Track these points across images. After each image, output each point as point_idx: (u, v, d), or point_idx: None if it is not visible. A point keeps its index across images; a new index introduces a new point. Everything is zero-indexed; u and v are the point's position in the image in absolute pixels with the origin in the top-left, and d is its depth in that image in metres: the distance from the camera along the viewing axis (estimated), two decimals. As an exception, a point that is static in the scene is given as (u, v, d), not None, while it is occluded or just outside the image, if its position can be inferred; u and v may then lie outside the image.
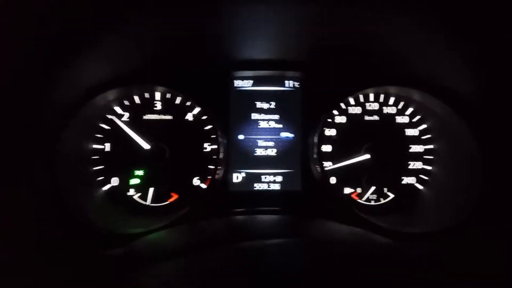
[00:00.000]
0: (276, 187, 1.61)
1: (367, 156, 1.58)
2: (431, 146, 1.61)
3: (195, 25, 1.21)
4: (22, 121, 1.19)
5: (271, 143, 1.63)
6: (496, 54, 1.14)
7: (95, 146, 1.56)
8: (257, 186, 1.61)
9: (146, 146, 1.55)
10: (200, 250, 0.93)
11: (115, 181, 1.58)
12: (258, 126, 1.63)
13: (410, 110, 1.62)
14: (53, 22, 0.98)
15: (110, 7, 1.02)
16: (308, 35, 1.34)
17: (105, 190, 1.56)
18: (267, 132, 1.63)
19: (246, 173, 1.61)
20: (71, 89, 1.35)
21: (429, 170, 1.61)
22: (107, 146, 1.58)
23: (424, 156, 1.62)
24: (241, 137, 1.62)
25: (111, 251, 1.17)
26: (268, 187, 1.61)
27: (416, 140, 1.62)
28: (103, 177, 1.56)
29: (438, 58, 1.33)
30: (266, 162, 1.62)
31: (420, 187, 1.62)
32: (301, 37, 1.36)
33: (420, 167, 1.62)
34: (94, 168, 1.55)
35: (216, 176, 1.51)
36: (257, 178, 1.61)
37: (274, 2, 1.08)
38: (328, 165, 1.60)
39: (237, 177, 1.61)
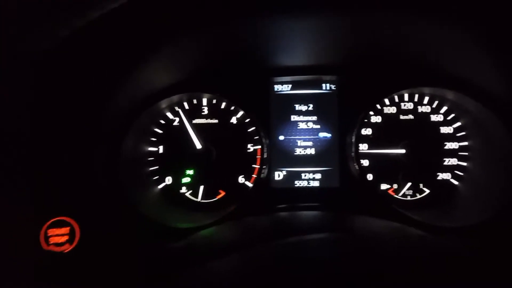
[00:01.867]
0: (316, 184, 1.72)
1: (403, 150, 1.65)
2: (466, 143, 1.67)
3: (238, 37, 1.34)
4: (85, 128, 1.37)
5: (310, 143, 1.74)
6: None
7: (150, 148, 1.73)
8: (298, 183, 1.72)
9: (198, 146, 1.70)
10: (249, 247, 0.99)
11: (168, 180, 1.74)
12: (298, 127, 1.74)
13: (444, 108, 1.68)
14: (118, 33, 1.07)
15: (171, 23, 1.14)
16: (342, 42, 1.44)
17: (160, 188, 1.73)
18: (306, 132, 1.74)
19: (287, 171, 1.73)
20: (130, 98, 1.52)
21: (464, 166, 1.66)
22: (161, 149, 1.74)
23: (459, 153, 1.68)
24: (281, 137, 1.74)
25: (171, 244, 1.25)
26: (308, 184, 1.72)
27: (451, 137, 1.68)
28: (158, 177, 1.73)
29: (469, 59, 1.39)
30: (305, 160, 1.73)
31: (455, 182, 1.68)
32: (336, 44, 1.46)
33: (455, 163, 1.68)
34: (150, 169, 1.72)
35: (261, 175, 1.64)
36: (298, 175, 1.73)
37: (308, 15, 1.18)
38: (365, 162, 1.70)
39: (279, 175, 1.73)
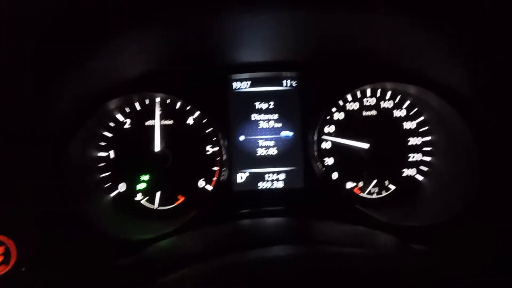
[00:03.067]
0: (280, 185, 1.64)
1: (367, 145, 1.61)
2: (429, 138, 1.64)
3: (193, 32, 1.24)
4: (26, 133, 1.23)
5: (272, 142, 1.66)
6: (488, 48, 1.16)
7: (100, 154, 1.60)
8: (261, 185, 1.64)
9: (157, 148, 1.59)
10: (208, 260, 0.94)
11: (122, 187, 1.61)
12: (258, 127, 1.66)
13: (407, 103, 1.65)
14: (58, 27, 0.99)
15: (117, 15, 1.04)
16: (302, 38, 1.37)
17: (113, 196, 1.60)
18: (267, 131, 1.66)
19: (250, 173, 1.65)
20: (74, 100, 1.38)
21: (429, 161, 1.64)
22: (112, 153, 1.61)
23: (423, 148, 1.65)
24: (242, 138, 1.65)
25: (122, 260, 1.17)
26: (272, 185, 1.64)
27: (414, 132, 1.65)
28: (110, 184, 1.60)
29: (430, 54, 1.35)
30: (268, 161, 1.65)
31: (420, 178, 1.65)
32: (295, 40, 1.39)
33: (419, 158, 1.65)
34: (101, 176, 1.59)
35: (221, 178, 1.55)
36: (261, 177, 1.65)
37: (265, 11, 1.11)
38: (329, 161, 1.64)
39: (241, 177, 1.65)
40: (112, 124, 1.61)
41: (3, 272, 1.18)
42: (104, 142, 1.60)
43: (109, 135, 1.61)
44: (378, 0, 1.04)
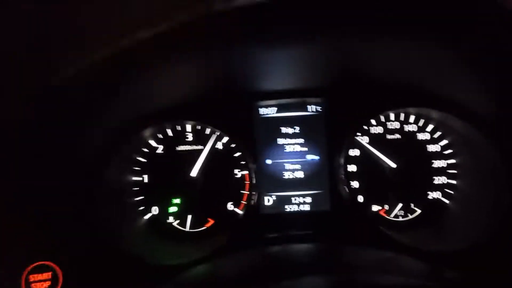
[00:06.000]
0: (306, 208, 1.68)
1: (394, 165, 1.63)
2: (453, 161, 1.66)
3: (221, 64, 1.31)
4: (63, 160, 1.31)
5: (298, 166, 1.71)
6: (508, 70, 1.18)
7: (134, 178, 1.68)
8: (288, 208, 1.69)
9: (194, 174, 1.66)
10: None
11: (155, 210, 1.69)
12: (284, 150, 1.71)
13: (430, 127, 1.68)
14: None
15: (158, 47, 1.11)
16: (327, 66, 1.42)
17: (147, 219, 1.68)
18: (293, 155, 1.71)
19: (277, 196, 1.70)
20: (112, 128, 1.47)
21: (454, 184, 1.65)
22: (146, 178, 1.69)
23: (448, 171, 1.67)
24: (269, 161, 1.71)
25: (157, 285, 1.21)
26: (298, 208, 1.68)
27: (438, 155, 1.67)
28: (143, 207, 1.68)
29: (453, 78, 1.38)
30: (294, 184, 1.70)
31: (446, 201, 1.66)
32: (320, 68, 1.44)
33: (445, 181, 1.66)
34: (135, 199, 1.67)
35: (252, 201, 1.61)
36: (288, 200, 1.69)
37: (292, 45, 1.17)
38: (354, 184, 1.67)
39: (268, 200, 1.70)
40: (145, 150, 1.69)
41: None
42: (138, 167, 1.68)
43: (143, 160, 1.69)
44: (403, 26, 1.08)
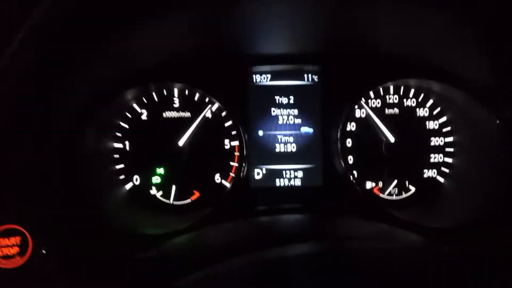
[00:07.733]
0: (298, 182, 1.61)
1: (393, 138, 1.57)
2: (451, 139, 1.61)
3: (212, 22, 1.20)
4: (40, 121, 1.18)
5: (291, 139, 1.62)
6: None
7: (115, 144, 1.55)
8: (279, 182, 1.61)
9: (181, 143, 1.55)
10: (227, 258, 0.92)
11: (136, 180, 1.57)
12: (278, 122, 1.62)
13: (430, 102, 1.61)
14: (71, 17, 0.92)
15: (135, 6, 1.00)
16: (325, 29, 1.34)
17: (127, 189, 1.56)
18: (286, 127, 1.62)
19: (267, 169, 1.61)
20: (90, 87, 1.33)
21: (450, 162, 1.61)
22: (127, 145, 1.57)
23: (445, 149, 1.62)
24: (261, 133, 1.61)
25: (138, 255, 1.13)
26: (290, 182, 1.61)
27: (436, 132, 1.62)
28: (124, 176, 1.56)
29: (456, 49, 1.32)
30: (286, 157, 1.61)
31: (441, 180, 1.62)
32: (318, 31, 1.36)
33: (441, 159, 1.62)
34: (115, 167, 1.55)
35: (241, 174, 1.51)
36: (279, 174, 1.61)
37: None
38: (350, 159, 1.60)
39: (258, 173, 1.61)
40: (128, 115, 1.56)
41: (19, 264, 1.13)
42: (120, 133, 1.56)
43: (125, 125, 1.56)
44: None
